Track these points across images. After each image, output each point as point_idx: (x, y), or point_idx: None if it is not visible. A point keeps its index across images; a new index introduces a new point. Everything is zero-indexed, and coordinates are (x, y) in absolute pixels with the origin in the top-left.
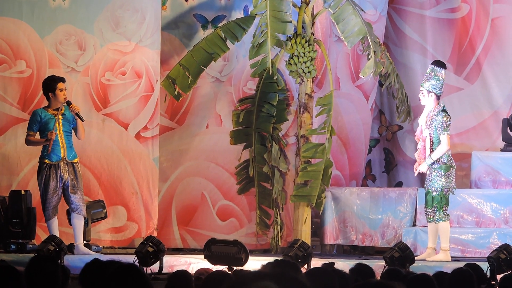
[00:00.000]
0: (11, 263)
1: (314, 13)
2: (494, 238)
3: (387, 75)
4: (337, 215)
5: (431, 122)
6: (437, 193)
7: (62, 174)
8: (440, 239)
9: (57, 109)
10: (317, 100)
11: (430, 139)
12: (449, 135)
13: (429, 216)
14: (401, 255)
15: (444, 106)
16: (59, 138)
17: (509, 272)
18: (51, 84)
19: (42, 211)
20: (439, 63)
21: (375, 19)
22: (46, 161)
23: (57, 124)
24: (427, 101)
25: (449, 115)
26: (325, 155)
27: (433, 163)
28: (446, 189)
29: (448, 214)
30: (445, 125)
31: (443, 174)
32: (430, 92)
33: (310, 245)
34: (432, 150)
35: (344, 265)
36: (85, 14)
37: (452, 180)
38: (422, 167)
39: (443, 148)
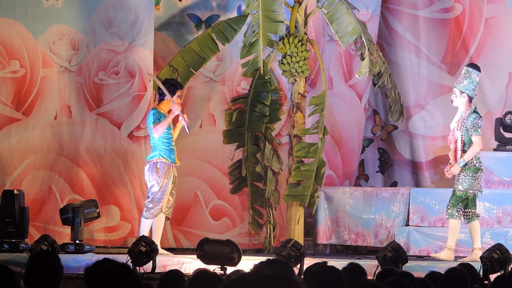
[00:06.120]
0: (4, 262)
1: (307, 13)
2: (487, 237)
3: (380, 75)
4: (330, 215)
5: (463, 124)
6: (462, 193)
7: (173, 175)
8: (448, 236)
9: (168, 112)
10: (310, 100)
11: (462, 140)
12: (480, 135)
13: (468, 217)
14: (394, 255)
15: (475, 108)
16: (173, 140)
17: (502, 272)
18: (173, 88)
19: (146, 207)
20: (473, 66)
21: (366, 19)
22: (166, 160)
23: (171, 128)
24: (459, 102)
25: (480, 116)
26: (318, 155)
27: (465, 165)
28: (471, 191)
29: (462, 214)
30: (476, 126)
31: (470, 175)
32: (462, 92)
33: (303, 244)
34: (463, 151)
35: (336, 264)
36: (78, 13)
37: (478, 183)
38: (454, 169)
39: (475, 149)
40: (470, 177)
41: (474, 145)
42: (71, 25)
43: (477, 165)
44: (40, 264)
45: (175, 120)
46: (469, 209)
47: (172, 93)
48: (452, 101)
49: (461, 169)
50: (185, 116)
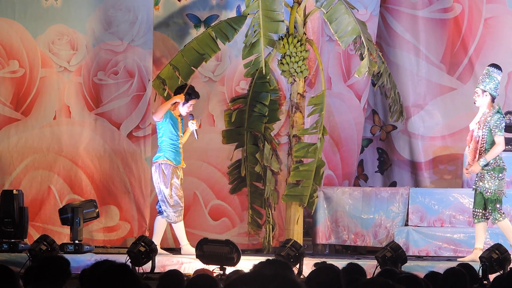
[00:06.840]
0: (3, 262)
1: (306, 13)
2: (486, 237)
3: (379, 75)
4: (329, 215)
5: (485, 123)
6: (490, 194)
7: (179, 177)
8: (507, 238)
9: (179, 115)
10: (309, 100)
11: (483, 140)
12: (503, 136)
13: (477, 216)
14: (393, 255)
15: (499, 108)
16: (180, 143)
17: (501, 272)
18: (187, 95)
19: (171, 214)
20: (494, 65)
21: (365, 19)
22: (170, 162)
23: (180, 130)
24: (482, 101)
25: (503, 116)
26: (317, 155)
27: (486, 164)
28: (499, 191)
29: (504, 212)
30: (500, 126)
31: (496, 176)
32: (484, 91)
33: (302, 244)
34: (485, 151)
35: (336, 264)
36: (77, 13)
37: (504, 183)
38: (475, 168)
39: (498, 149)
40: (497, 178)
41: (497, 145)
42: (70, 25)
43: (501, 165)
44: (47, 265)
45: (184, 121)
46: (479, 210)
47: (186, 101)
48: (474, 102)
49: (486, 171)
50: (195, 121)
